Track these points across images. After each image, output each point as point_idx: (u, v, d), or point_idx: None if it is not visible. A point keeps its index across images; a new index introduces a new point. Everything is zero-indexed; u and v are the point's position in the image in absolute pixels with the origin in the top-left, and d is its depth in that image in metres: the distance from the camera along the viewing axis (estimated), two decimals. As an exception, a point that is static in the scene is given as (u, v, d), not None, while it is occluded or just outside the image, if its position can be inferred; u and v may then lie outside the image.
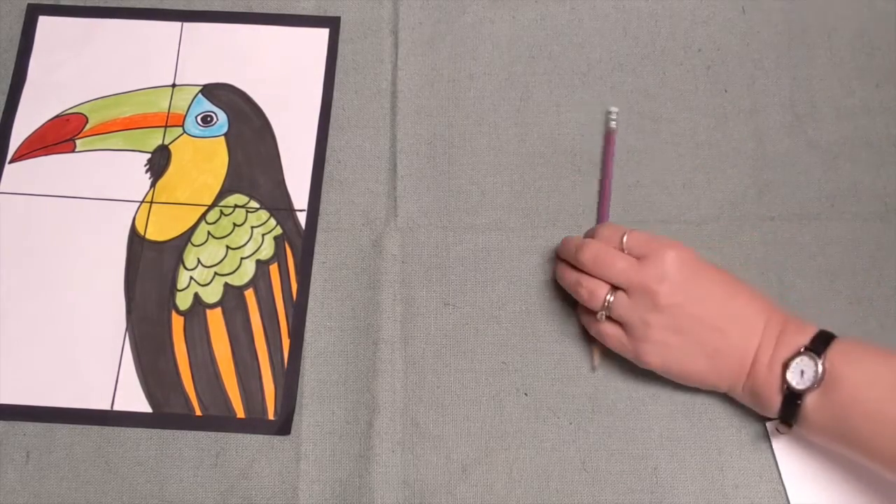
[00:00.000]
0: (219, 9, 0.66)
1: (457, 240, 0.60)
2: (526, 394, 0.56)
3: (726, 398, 0.55)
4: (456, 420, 0.56)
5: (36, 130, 0.63)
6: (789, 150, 0.62)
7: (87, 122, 0.63)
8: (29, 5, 0.67)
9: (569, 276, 0.55)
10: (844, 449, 0.49)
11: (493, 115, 0.63)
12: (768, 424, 0.54)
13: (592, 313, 0.53)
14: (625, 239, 0.53)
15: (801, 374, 0.48)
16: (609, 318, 0.53)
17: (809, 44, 0.65)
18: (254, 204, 0.61)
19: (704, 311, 0.50)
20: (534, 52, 0.65)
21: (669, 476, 0.54)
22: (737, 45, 0.65)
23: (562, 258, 0.57)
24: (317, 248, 0.60)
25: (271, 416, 0.56)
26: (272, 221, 0.61)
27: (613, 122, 0.61)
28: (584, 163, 0.62)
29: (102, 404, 0.56)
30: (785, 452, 0.53)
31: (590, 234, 0.56)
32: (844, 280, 0.58)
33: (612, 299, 0.52)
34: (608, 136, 0.61)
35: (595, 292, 0.52)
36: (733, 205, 0.60)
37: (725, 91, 0.64)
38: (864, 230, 0.60)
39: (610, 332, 0.53)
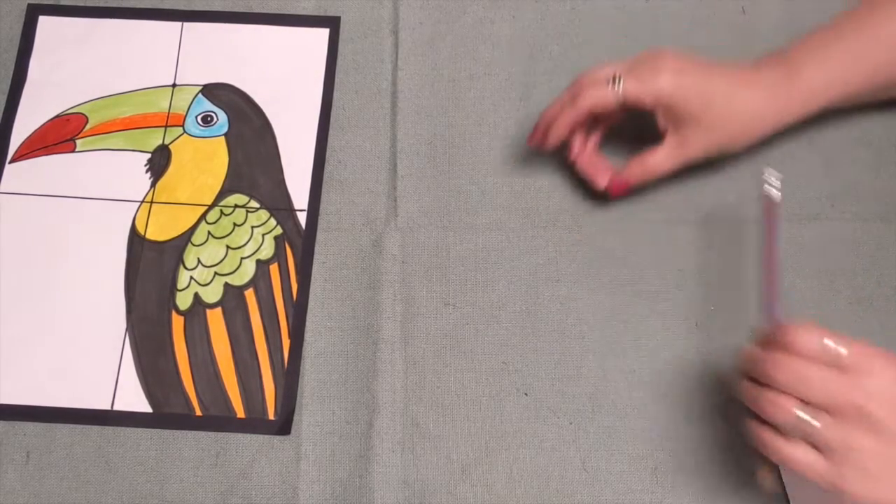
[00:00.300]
0: (219, 9, 0.66)
1: (457, 240, 0.60)
2: (526, 394, 0.56)
3: (727, 400, 0.55)
4: (456, 420, 0.56)
5: (36, 130, 0.63)
6: (789, 150, 0.62)
7: (87, 122, 0.63)
8: (29, 5, 0.67)
9: (751, 391, 0.46)
10: None
11: (493, 115, 0.63)
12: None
13: (771, 428, 0.45)
14: (826, 344, 0.44)
15: None
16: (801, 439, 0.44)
17: (809, 44, 0.65)
18: (254, 204, 0.61)
19: None
20: (534, 52, 0.65)
21: (669, 476, 0.54)
22: (737, 45, 0.65)
23: (745, 373, 0.47)
24: (317, 248, 0.60)
25: (271, 416, 0.56)
26: (272, 221, 0.61)
27: (777, 192, 0.48)
28: (584, 163, 0.62)
29: (102, 404, 0.56)
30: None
31: (769, 335, 0.46)
32: (844, 280, 0.58)
33: (809, 419, 0.43)
34: (769, 209, 0.49)
35: (783, 406, 0.44)
36: (734, 205, 0.60)
37: (725, 91, 0.64)
38: (864, 230, 0.60)
39: (801, 458, 0.44)
